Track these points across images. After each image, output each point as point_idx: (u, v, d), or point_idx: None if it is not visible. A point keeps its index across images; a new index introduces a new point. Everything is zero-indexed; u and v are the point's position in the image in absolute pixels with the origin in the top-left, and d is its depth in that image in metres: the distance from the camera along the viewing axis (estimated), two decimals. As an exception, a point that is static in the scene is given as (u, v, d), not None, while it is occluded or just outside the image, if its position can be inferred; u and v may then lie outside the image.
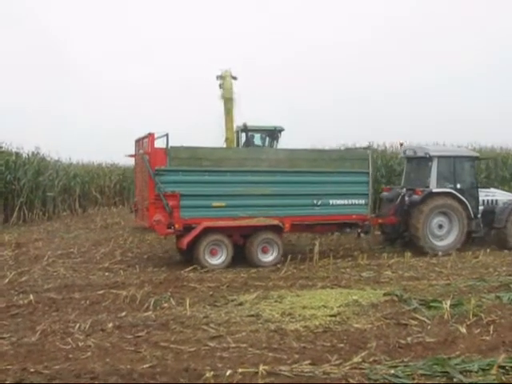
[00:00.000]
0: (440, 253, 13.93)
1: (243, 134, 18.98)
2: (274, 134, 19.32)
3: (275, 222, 12.46)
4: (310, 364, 6.16)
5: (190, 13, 70.49)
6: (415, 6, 61.64)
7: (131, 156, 16.07)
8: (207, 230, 12.01)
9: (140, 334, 7.45)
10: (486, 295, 9.43)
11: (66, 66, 59.98)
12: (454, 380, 5.75)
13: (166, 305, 9.02)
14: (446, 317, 8.08)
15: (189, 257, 12.57)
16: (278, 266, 12.32)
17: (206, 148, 12.89)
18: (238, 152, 14.78)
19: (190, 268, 12.06)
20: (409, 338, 7.15)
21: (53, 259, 13.46)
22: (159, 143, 12.25)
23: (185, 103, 56.70)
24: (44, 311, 8.64)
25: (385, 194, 15.59)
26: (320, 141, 25.29)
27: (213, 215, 12.16)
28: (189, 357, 6.51)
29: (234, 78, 16.87)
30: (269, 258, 12.52)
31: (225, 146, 17.26)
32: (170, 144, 12.08)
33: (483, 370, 5.94)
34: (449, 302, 8.47)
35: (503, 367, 5.96)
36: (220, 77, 17.06)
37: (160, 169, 11.82)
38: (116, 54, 66.96)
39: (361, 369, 6.05)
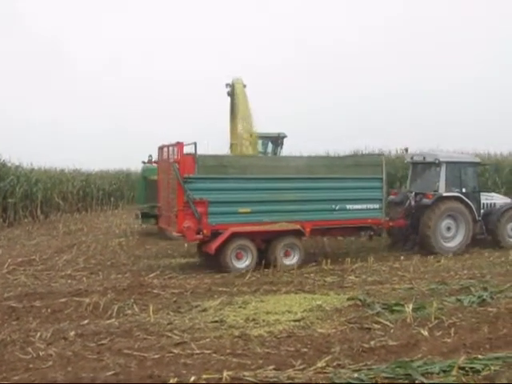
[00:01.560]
0: (450, 254, 14.60)
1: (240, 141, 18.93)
2: (277, 140, 19.55)
3: (297, 227, 12.97)
4: (274, 369, 6.17)
5: (188, 14, 69.81)
6: (416, 7, 61.92)
7: (154, 163, 16.60)
8: (234, 235, 12.40)
9: (103, 341, 7.36)
10: (447, 298, 9.57)
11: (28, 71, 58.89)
12: (416, 382, 5.82)
13: (129, 312, 8.94)
14: (408, 320, 8.18)
15: (212, 261, 12.80)
16: (243, 271, 12.31)
17: (231, 156, 14.14)
18: (262, 160, 15.42)
19: (154, 274, 11.99)
20: (372, 342, 7.21)
21: (13, 267, 13.19)
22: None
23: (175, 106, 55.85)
24: (3, 320, 8.48)
25: (392, 197, 15.98)
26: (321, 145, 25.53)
27: (238, 221, 12.59)
28: (153, 364, 6.46)
29: (244, 86, 16.87)
30: (291, 261, 12.95)
31: (230, 152, 17.24)
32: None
33: (444, 371, 6.04)
34: (411, 306, 8.58)
35: (463, 368, 6.08)
36: (229, 85, 17.02)
37: (189, 177, 12.17)
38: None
39: (325, 373, 6.08)
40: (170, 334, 7.66)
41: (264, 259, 12.80)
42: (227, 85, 17.04)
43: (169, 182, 12.95)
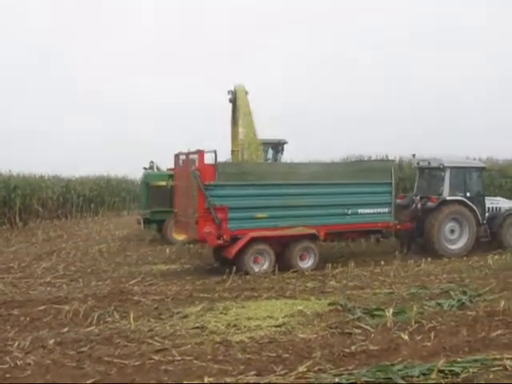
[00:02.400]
0: (453, 257, 15.02)
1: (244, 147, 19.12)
2: (277, 146, 19.67)
3: (312, 231, 13.36)
4: (255, 375, 6.17)
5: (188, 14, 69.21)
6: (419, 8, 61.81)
7: (171, 170, 16.92)
8: (253, 240, 12.73)
9: (83, 349, 7.30)
10: (427, 302, 9.65)
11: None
12: (397, 386, 5.87)
13: (109, 319, 8.88)
14: (388, 325, 8.23)
15: (227, 265, 12.98)
16: (224, 277, 12.30)
17: (250, 163, 14.70)
18: (278, 166, 15.93)
19: (134, 281, 11.93)
20: (353, 347, 7.24)
21: (-9, 275, 13.05)
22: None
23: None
24: (-19, 329, 8.36)
25: (399, 201, 16.22)
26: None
27: (256, 226, 12.94)
28: (133, 371, 6.42)
29: (246, 93, 16.93)
30: (307, 264, 13.34)
31: (231, 158, 17.42)
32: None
33: (424, 374, 6.09)
34: (391, 310, 8.64)
35: (443, 371, 6.14)
36: (231, 91, 17.06)
37: (209, 184, 12.52)
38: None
39: (306, 378, 6.10)
40: (150, 341, 7.62)
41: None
42: (229, 91, 17.16)
43: (187, 189, 13.29)
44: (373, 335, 7.83)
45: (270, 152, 19.67)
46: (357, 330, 8.05)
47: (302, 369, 6.33)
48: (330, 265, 13.67)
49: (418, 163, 17.06)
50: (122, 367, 6.54)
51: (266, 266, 12.89)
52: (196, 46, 66.16)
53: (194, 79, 60.45)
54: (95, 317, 8.84)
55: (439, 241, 15.31)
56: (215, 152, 12.64)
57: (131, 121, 54.37)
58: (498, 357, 6.67)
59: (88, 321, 8.70)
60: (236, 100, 16.79)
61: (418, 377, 6.05)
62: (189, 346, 7.38)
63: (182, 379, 6.01)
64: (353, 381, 5.94)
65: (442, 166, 15.92)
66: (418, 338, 7.65)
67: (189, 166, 13.32)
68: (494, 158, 25.98)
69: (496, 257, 14.76)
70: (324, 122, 47.11)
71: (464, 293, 10.24)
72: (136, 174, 36.20)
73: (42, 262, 15.06)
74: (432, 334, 7.73)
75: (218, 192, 12.60)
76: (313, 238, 13.47)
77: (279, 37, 65.55)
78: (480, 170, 16.92)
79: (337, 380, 5.97)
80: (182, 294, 10.78)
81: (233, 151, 17.71)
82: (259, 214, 12.97)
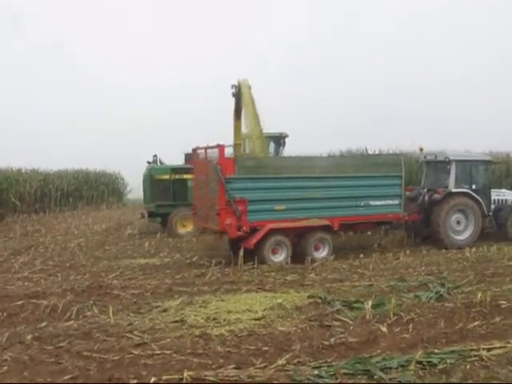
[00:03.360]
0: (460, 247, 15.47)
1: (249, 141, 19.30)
2: (279, 140, 19.77)
3: (326, 223, 13.83)
4: (234, 368, 6.18)
5: (188, 13, 68.54)
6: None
7: (190, 163, 17.49)
8: (271, 232, 13.18)
9: (61, 344, 7.25)
10: (405, 295, 9.75)
11: None
12: (375, 377, 5.92)
13: (88, 313, 8.82)
14: (367, 317, 8.29)
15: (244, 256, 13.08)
16: (203, 271, 12.29)
17: (268, 157, 15.46)
18: (295, 160, 16.13)
19: (114, 275, 11.86)
20: (332, 339, 7.28)
21: (-32, 270, 12.89)
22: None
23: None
24: (-43, 325, 8.26)
25: (407, 193, 16.55)
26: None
27: (274, 218, 13.40)
28: (112, 366, 6.39)
29: (249, 87, 16.97)
30: (321, 254, 13.78)
31: (233, 152, 17.28)
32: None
33: (402, 366, 6.17)
34: (370, 303, 8.71)
35: (420, 362, 6.22)
36: (235, 86, 17.10)
37: (230, 177, 13.01)
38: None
39: (285, 371, 6.12)
40: (130, 335, 7.59)
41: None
42: (233, 86, 17.23)
43: (206, 182, 13.84)
44: (352, 327, 7.88)
45: (272, 145, 19.76)
46: (336, 323, 8.10)
47: (281, 361, 6.35)
48: (309, 258, 13.70)
49: (425, 157, 17.58)
50: (101, 362, 6.50)
51: (283, 257, 13.33)
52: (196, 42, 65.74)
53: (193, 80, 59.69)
54: (74, 311, 8.78)
55: (445, 232, 15.77)
56: (234, 146, 13.41)
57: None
58: (474, 348, 6.78)
59: (66, 315, 8.64)
60: (240, 94, 16.90)
61: (396, 368, 6.11)
62: (168, 340, 7.37)
63: (161, 373, 5.99)
64: (332, 373, 5.98)
65: (447, 160, 16.38)
66: (397, 330, 7.71)
67: (208, 159, 13.87)
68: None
69: (474, 249, 14.92)
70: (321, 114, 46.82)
71: (442, 285, 10.34)
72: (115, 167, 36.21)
73: (20, 257, 14.90)
74: (410, 326, 7.81)
75: (239, 185, 13.11)
76: (327, 229, 13.96)
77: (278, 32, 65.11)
78: (486, 163, 17.44)
79: (316, 372, 6.00)
80: (162, 287, 10.75)
81: (235, 145, 17.78)
82: (278, 207, 13.45)
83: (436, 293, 9.73)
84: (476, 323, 7.92)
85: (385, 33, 55.09)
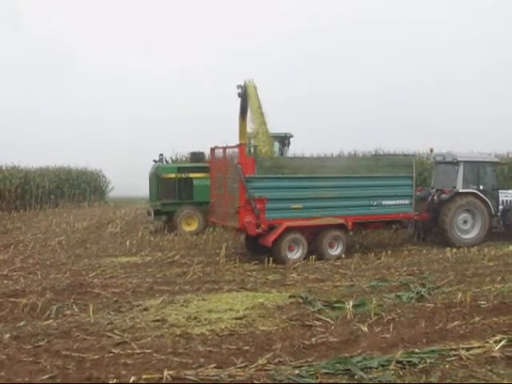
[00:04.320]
0: (466, 245, 15.91)
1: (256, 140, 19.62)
2: (283, 140, 19.93)
3: (341, 221, 14.29)
4: (215, 367, 6.16)
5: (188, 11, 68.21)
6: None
7: (207, 163, 17.67)
8: (288, 229, 13.59)
9: (40, 343, 7.18)
10: (387, 295, 9.80)
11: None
12: (356, 377, 5.94)
13: (68, 312, 8.75)
14: (348, 317, 8.33)
15: (258, 254, 13.97)
16: (185, 270, 12.25)
17: (285, 158, 16.58)
18: (311, 160, 16.95)
19: (94, 274, 11.77)
20: (313, 339, 7.30)
21: None
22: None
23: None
24: None
25: (417, 193, 16.83)
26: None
27: (291, 216, 13.82)
28: (92, 365, 6.34)
29: (255, 88, 17.09)
30: (335, 251, 14.20)
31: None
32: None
33: (383, 365, 6.20)
34: (351, 303, 8.76)
35: (401, 362, 6.26)
36: (241, 86, 17.28)
37: (250, 176, 13.33)
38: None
39: (266, 370, 6.12)
40: (110, 334, 7.54)
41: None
42: (238, 86, 17.39)
43: (225, 180, 14.34)
44: (333, 327, 7.91)
45: (277, 145, 19.88)
46: (317, 323, 8.13)
47: (262, 361, 6.35)
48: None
49: (434, 158, 18.08)
50: (80, 361, 6.45)
51: (299, 254, 13.74)
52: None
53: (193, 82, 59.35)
54: (53, 310, 8.70)
55: (452, 230, 16.21)
56: (255, 147, 14.27)
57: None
58: (454, 347, 6.85)
59: (46, 314, 8.56)
60: (246, 95, 17.05)
61: (376, 368, 6.14)
62: (149, 339, 7.33)
63: (141, 373, 5.95)
64: (312, 373, 5.98)
65: (455, 161, 16.84)
66: (378, 329, 7.75)
67: (228, 159, 14.30)
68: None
69: (454, 250, 15.05)
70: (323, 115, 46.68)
71: (423, 285, 10.43)
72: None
73: (-1, 255, 14.74)
74: (391, 326, 7.85)
75: (258, 184, 13.47)
76: (341, 227, 14.41)
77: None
78: (494, 164, 17.88)
79: (297, 372, 6.01)
80: (143, 286, 10.68)
81: (240, 144, 17.84)
82: (295, 205, 13.84)
83: (417, 293, 9.80)
84: (456, 323, 7.98)
85: (385, 35, 55.44)
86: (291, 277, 11.70)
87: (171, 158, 23.53)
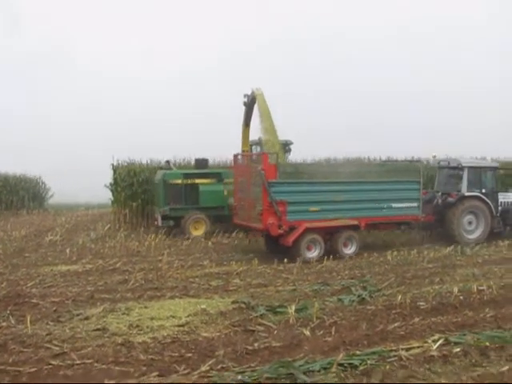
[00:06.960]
0: (471, 245, 16.87)
1: (258, 148, 20.61)
2: (284, 147, 20.39)
3: (355, 223, 15.41)
4: (157, 376, 6.11)
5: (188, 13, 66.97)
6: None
7: (230, 168, 18.65)
8: (307, 230, 14.64)
9: (-27, 357, 6.92)
10: (329, 298, 9.93)
11: None
12: (298, 381, 5.98)
13: (4, 324, 8.46)
14: (291, 321, 8.39)
15: (278, 253, 14.66)
16: (126, 277, 12.07)
17: (304, 164, 18.08)
18: (327, 166, 18.40)
19: (32, 283, 11.44)
20: (256, 344, 7.31)
21: None
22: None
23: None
24: None
25: (423, 196, 17.37)
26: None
27: (309, 218, 14.87)
28: (28, 378, 6.18)
29: (263, 96, 17.57)
30: (350, 250, 15.34)
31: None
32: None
33: (325, 368, 6.28)
34: (294, 307, 8.83)
35: (342, 365, 6.35)
36: (248, 95, 17.94)
37: (272, 181, 14.40)
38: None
39: (209, 377, 6.11)
40: (48, 345, 7.34)
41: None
42: (245, 95, 17.49)
43: (248, 185, 15.44)
44: (275, 332, 7.94)
45: None
46: (260, 328, 8.15)
47: (204, 368, 6.32)
48: (234, 263, 13.73)
49: (438, 163, 19.06)
50: (16, 375, 6.26)
51: (317, 253, 14.74)
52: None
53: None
54: (-12, 322, 8.41)
55: (458, 231, 17.35)
56: (277, 154, 15.16)
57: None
58: (394, 348, 7.01)
59: (-20, 327, 8.26)
60: (255, 104, 17.20)
61: (318, 371, 6.21)
62: (89, 349, 7.18)
63: (81, 384, 5.83)
64: (255, 378, 5.99)
65: (460, 166, 17.96)
66: (320, 333, 7.83)
67: (252, 165, 15.46)
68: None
69: (395, 253, 15.38)
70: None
71: (364, 288, 10.61)
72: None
73: None
74: (333, 329, 7.95)
75: (280, 188, 14.60)
76: (355, 228, 15.53)
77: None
78: (493, 169, 18.97)
79: (239, 377, 6.00)
80: (83, 295, 10.45)
81: (243, 151, 18.93)
82: (313, 208, 14.89)
83: (358, 296, 9.97)
84: (396, 324, 8.16)
85: (386, 36, 56.06)
86: (234, 282, 11.68)
87: (174, 164, 23.25)
